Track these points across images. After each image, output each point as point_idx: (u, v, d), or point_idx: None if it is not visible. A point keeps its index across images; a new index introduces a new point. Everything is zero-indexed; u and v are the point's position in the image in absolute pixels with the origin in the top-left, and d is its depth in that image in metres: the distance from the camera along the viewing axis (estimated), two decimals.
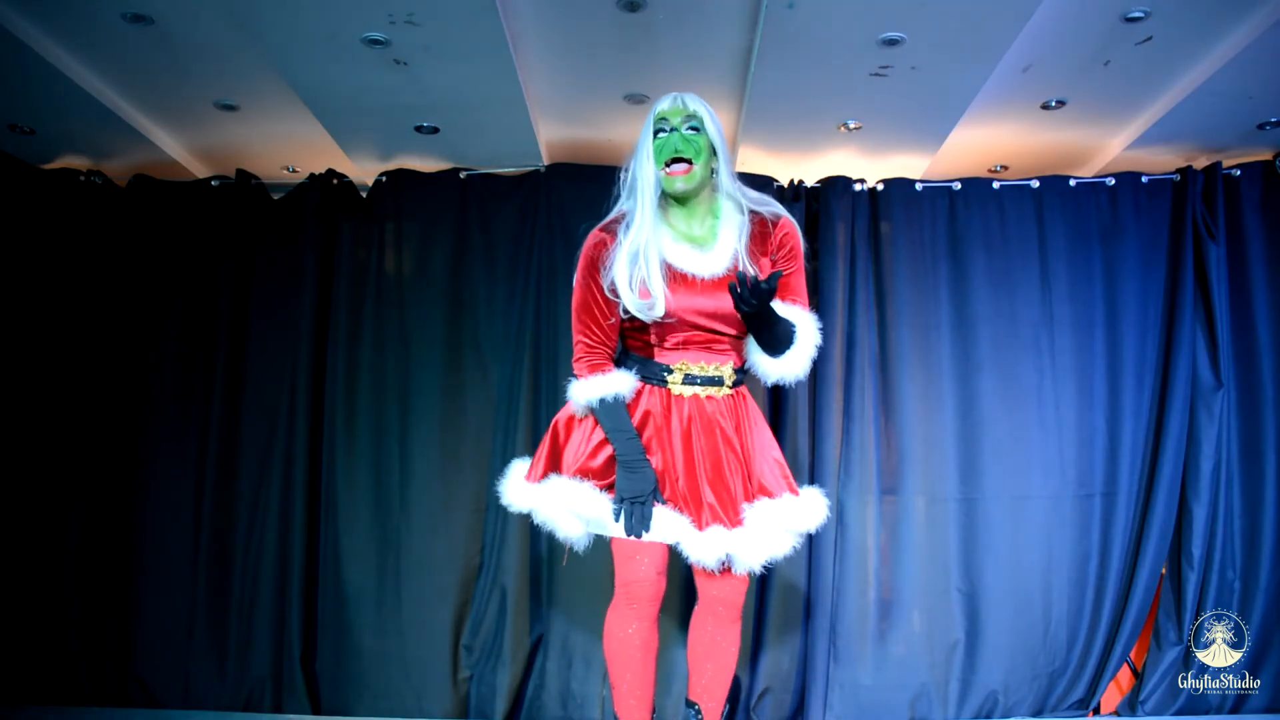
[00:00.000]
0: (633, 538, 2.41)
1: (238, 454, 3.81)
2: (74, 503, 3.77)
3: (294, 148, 3.96)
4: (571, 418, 2.59)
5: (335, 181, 3.93)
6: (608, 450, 2.49)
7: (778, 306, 2.46)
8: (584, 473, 2.48)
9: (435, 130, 3.63)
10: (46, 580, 3.73)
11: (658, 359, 2.54)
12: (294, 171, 4.13)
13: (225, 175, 3.98)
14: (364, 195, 3.96)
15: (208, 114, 3.65)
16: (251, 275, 3.89)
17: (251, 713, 3.64)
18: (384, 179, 3.91)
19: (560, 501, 2.47)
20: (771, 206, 2.58)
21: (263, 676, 3.67)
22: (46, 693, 3.66)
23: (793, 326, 2.50)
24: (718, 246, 2.50)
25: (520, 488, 2.61)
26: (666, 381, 2.53)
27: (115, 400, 3.83)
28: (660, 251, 2.45)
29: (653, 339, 2.53)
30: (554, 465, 2.55)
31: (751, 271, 2.46)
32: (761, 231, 2.54)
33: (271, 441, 3.79)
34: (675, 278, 2.46)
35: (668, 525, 2.43)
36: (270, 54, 3.10)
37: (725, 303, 2.45)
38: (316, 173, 3.94)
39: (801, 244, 2.58)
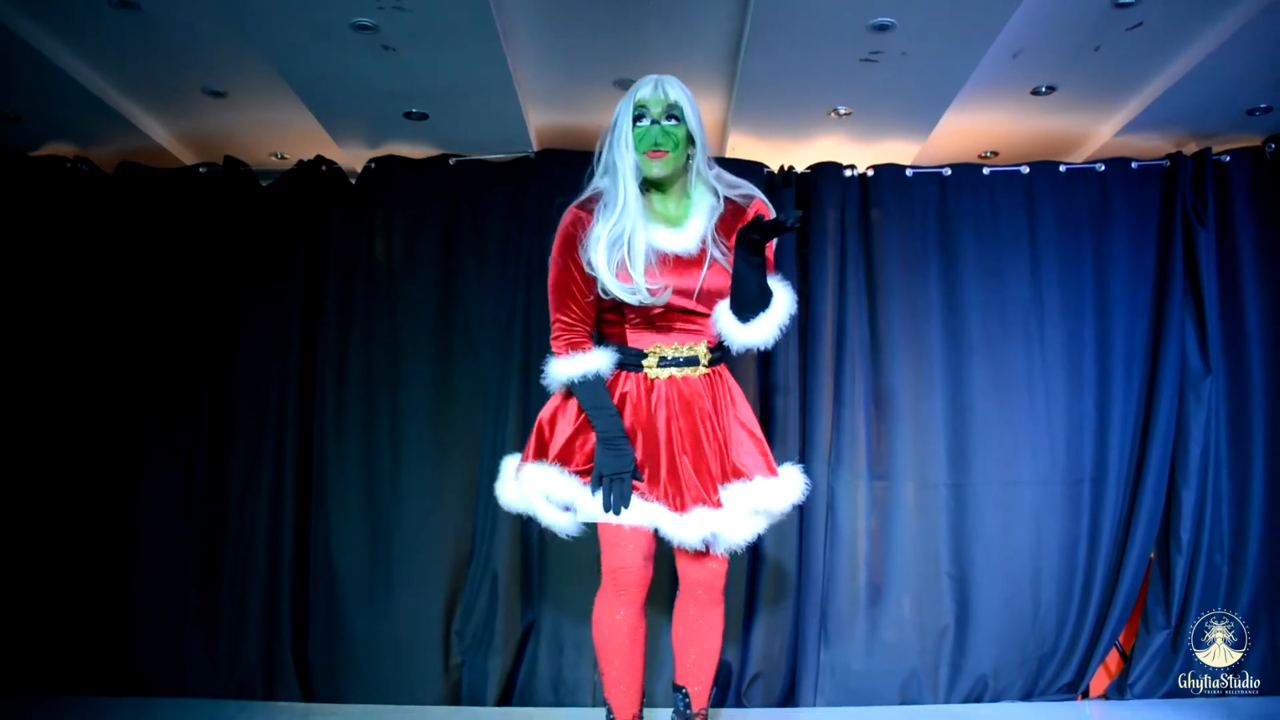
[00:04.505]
0: (612, 515, 2.42)
1: (228, 442, 3.80)
2: (63, 491, 3.75)
3: (282, 134, 3.94)
4: (555, 413, 2.59)
5: (324, 168, 3.91)
6: (586, 437, 2.51)
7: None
8: (560, 459, 2.50)
9: (424, 116, 3.62)
10: (36, 569, 3.72)
11: (631, 344, 2.55)
12: (283, 158, 4.11)
13: (213, 162, 3.96)
14: (353, 182, 3.94)
15: (195, 100, 3.63)
16: (240, 262, 3.87)
17: (243, 700, 3.63)
18: (373, 165, 3.89)
19: (535, 486, 2.49)
20: (744, 189, 2.60)
21: (254, 664, 3.67)
22: (37, 682, 3.65)
23: (770, 292, 2.47)
24: (689, 225, 2.52)
25: (509, 484, 2.63)
26: (642, 366, 2.54)
27: (103, 388, 3.81)
28: (645, 237, 2.45)
29: (626, 321, 2.54)
30: (539, 458, 2.56)
31: (720, 254, 2.49)
32: (734, 214, 2.56)
33: (262, 429, 3.78)
34: (653, 257, 2.47)
35: (650, 510, 2.44)
36: (258, 40, 3.08)
37: (710, 280, 2.48)
38: (305, 159, 3.92)
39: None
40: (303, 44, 3.07)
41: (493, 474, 3.64)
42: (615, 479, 2.43)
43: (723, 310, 2.50)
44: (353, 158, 3.98)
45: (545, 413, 2.62)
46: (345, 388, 3.80)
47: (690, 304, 2.50)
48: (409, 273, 3.86)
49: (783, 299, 2.49)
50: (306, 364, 3.83)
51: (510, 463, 2.69)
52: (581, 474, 2.49)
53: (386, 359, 3.82)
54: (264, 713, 3.54)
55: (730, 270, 2.48)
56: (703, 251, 2.49)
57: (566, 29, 3.14)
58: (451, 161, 3.89)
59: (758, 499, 2.49)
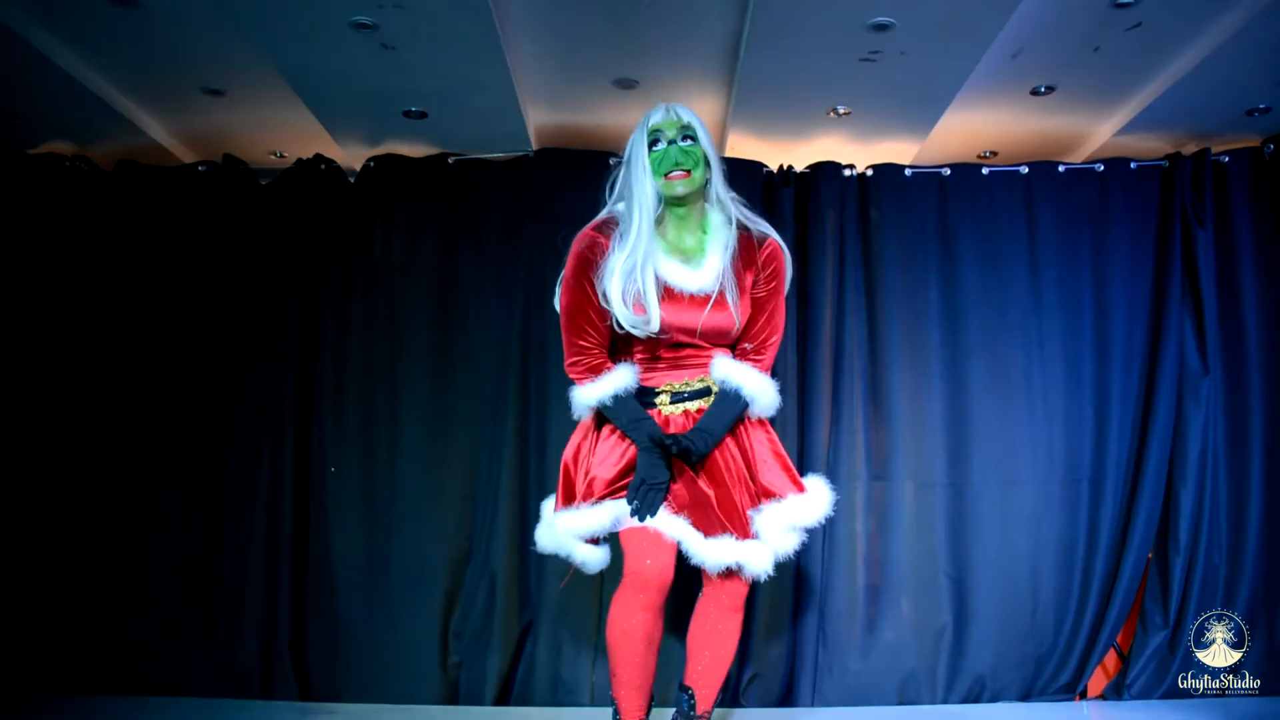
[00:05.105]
0: (639, 522, 2.44)
1: (226, 442, 3.79)
2: (61, 490, 3.75)
3: (281, 133, 3.94)
4: (577, 450, 2.61)
5: (323, 167, 3.91)
6: (613, 460, 2.52)
7: (732, 366, 2.54)
8: (585, 497, 2.52)
9: (423, 115, 3.61)
10: (36, 569, 3.71)
11: (643, 382, 2.57)
12: (281, 157, 4.11)
13: (212, 160, 3.95)
14: (352, 181, 3.94)
15: (194, 98, 3.63)
16: (239, 261, 3.86)
17: (241, 699, 3.62)
18: (372, 164, 3.89)
19: (567, 530, 2.53)
20: (760, 226, 2.62)
21: (253, 663, 3.66)
22: (38, 682, 3.65)
23: (742, 403, 2.54)
24: (706, 263, 2.53)
25: (545, 529, 2.67)
26: (655, 404, 2.56)
27: (102, 387, 3.80)
28: (656, 268, 2.47)
29: (636, 355, 2.56)
30: (569, 501, 2.59)
31: (734, 292, 2.52)
32: (747, 248, 2.57)
33: (260, 429, 3.77)
34: (665, 293, 2.49)
35: (679, 525, 2.47)
36: (257, 38, 3.07)
37: (711, 319, 2.50)
38: (304, 158, 3.91)
39: (787, 267, 2.62)
40: (301, 42, 3.07)
41: (491, 473, 3.71)
42: (653, 489, 2.46)
43: None
44: (352, 156, 3.98)
45: (568, 453, 2.64)
46: (344, 387, 3.80)
47: (705, 341, 2.54)
48: (408, 271, 3.85)
49: (758, 391, 2.55)
50: (305, 363, 3.82)
51: (548, 505, 2.71)
52: (613, 494, 2.51)
53: (385, 358, 3.81)
54: (262, 712, 3.53)
55: (739, 307, 2.53)
56: (720, 291, 2.51)
57: (566, 28, 3.14)
58: (451, 160, 3.89)
59: (792, 516, 2.53)
